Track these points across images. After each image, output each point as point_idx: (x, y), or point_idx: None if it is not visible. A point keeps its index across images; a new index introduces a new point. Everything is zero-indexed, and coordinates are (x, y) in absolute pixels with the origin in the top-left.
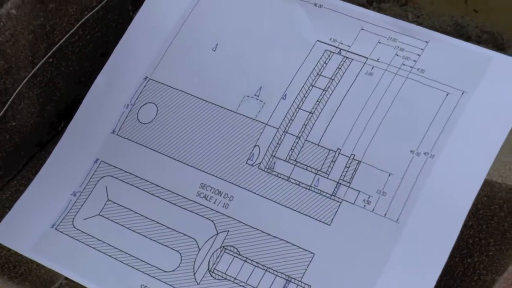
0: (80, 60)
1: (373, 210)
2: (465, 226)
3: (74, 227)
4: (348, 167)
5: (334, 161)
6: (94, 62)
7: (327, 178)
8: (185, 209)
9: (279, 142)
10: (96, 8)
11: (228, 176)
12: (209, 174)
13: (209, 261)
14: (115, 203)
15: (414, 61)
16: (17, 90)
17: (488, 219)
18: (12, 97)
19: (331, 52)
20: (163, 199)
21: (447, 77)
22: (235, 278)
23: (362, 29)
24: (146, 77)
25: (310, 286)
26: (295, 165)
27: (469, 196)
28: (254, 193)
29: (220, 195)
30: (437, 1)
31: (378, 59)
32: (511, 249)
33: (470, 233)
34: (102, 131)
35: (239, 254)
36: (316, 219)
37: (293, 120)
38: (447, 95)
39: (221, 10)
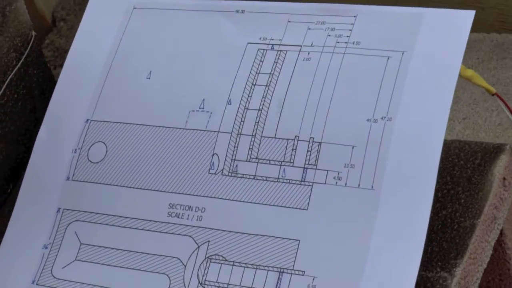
0: (13, 120)
1: (345, 184)
2: None
3: (55, 277)
4: (311, 151)
5: (295, 149)
6: (26, 119)
7: (292, 166)
8: (160, 232)
9: (236, 145)
10: (17, 66)
11: (194, 190)
12: (175, 193)
13: (197, 275)
14: (89, 244)
15: (347, 36)
16: None
17: (449, 170)
18: None
19: (264, 50)
20: (135, 228)
21: (383, 42)
22: (228, 284)
23: (289, 21)
24: (88, 120)
25: (304, 271)
26: (257, 162)
27: (436, 149)
28: (224, 199)
29: (191, 210)
30: None
31: (312, 44)
32: (481, 192)
33: (437, 187)
34: (56, 180)
35: (226, 260)
36: (292, 207)
37: (244, 121)
38: (388, 59)
39: (147, 39)
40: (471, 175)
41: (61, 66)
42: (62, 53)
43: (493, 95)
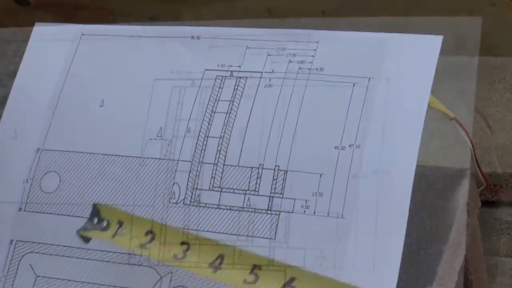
0: None
1: (314, 213)
2: None
3: None
4: (276, 179)
5: (260, 177)
6: None
7: (257, 195)
8: (120, 263)
9: (197, 174)
10: None
11: (155, 220)
12: None
13: None
14: (45, 277)
15: (310, 62)
16: None
17: (412, 196)
18: None
19: (222, 76)
20: (93, 259)
21: (348, 68)
22: None
23: (248, 47)
24: (38, 149)
25: None
26: (221, 191)
27: (408, 175)
28: (187, 229)
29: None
30: None
31: (273, 71)
32: (446, 218)
33: None
34: (8, 211)
35: None
36: (259, 237)
37: (204, 150)
38: (354, 85)
39: (98, 66)
40: (434, 200)
41: None
42: None
43: (451, 119)
